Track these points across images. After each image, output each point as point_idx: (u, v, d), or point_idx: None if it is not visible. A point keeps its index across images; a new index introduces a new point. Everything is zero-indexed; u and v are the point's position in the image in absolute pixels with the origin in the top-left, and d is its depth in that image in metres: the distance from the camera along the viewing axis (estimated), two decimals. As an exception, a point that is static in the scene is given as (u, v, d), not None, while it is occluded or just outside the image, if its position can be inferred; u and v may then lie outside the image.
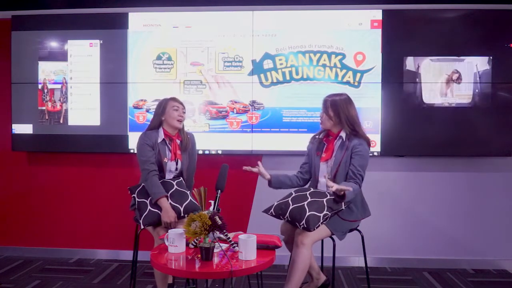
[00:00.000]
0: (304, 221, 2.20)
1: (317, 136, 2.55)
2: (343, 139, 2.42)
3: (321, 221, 2.21)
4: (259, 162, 2.52)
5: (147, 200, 2.44)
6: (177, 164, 2.60)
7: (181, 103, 2.63)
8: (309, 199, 2.26)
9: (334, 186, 2.12)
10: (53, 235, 3.66)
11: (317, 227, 2.22)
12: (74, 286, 3.04)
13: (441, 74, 3.30)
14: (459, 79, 3.27)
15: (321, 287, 2.51)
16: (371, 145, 3.29)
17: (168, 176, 2.59)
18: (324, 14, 3.36)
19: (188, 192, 2.49)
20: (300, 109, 3.37)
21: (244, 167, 2.50)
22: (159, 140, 2.57)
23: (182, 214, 2.42)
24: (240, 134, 3.41)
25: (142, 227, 2.42)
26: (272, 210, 2.35)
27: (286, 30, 3.37)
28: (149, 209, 2.41)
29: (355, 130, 2.40)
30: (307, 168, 2.57)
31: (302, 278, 2.29)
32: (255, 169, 2.48)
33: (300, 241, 2.25)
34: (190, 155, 2.67)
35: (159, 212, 2.39)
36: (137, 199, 2.46)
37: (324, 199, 2.25)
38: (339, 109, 2.40)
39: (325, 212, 2.21)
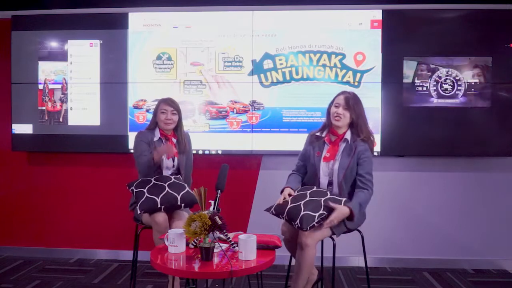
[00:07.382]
0: (298, 221, 2.17)
1: (318, 134, 2.47)
2: (348, 142, 2.39)
3: (316, 220, 2.16)
4: (289, 194, 2.36)
5: (144, 189, 2.46)
6: (173, 161, 2.65)
7: (171, 105, 2.62)
8: (307, 198, 2.24)
9: (326, 224, 2.18)
10: (53, 235, 3.66)
11: (311, 227, 2.17)
12: (74, 286, 3.04)
13: (441, 74, 3.30)
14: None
15: (316, 282, 2.50)
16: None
17: (165, 173, 2.64)
18: (324, 14, 3.36)
19: (186, 185, 2.55)
20: (300, 109, 3.37)
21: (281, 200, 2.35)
22: (155, 138, 2.63)
23: (178, 203, 2.45)
24: (240, 134, 3.40)
25: (139, 212, 2.42)
26: (273, 209, 2.34)
27: (286, 30, 3.37)
28: (146, 195, 2.43)
29: (361, 130, 2.36)
30: (303, 170, 2.53)
31: (308, 275, 2.33)
32: (288, 198, 2.34)
33: (304, 243, 2.21)
34: (187, 153, 2.72)
35: (156, 198, 2.41)
36: (134, 190, 2.50)
37: (322, 199, 2.22)
38: (361, 109, 2.38)
39: (321, 211, 2.18)
